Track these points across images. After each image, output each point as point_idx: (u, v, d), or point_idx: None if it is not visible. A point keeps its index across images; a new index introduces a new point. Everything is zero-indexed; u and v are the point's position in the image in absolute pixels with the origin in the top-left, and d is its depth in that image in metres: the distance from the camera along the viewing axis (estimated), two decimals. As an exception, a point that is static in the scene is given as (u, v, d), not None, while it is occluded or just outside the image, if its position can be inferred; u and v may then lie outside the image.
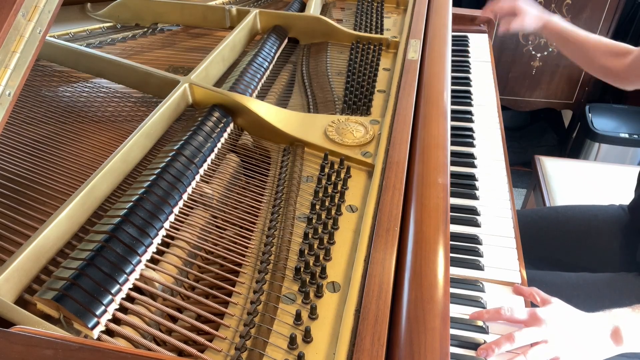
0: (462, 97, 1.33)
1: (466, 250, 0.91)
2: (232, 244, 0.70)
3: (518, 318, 0.77)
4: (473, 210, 1.00)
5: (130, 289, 0.60)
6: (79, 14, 1.32)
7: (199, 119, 0.86)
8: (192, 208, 0.74)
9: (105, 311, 0.56)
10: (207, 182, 0.80)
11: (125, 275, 0.60)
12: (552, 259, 1.18)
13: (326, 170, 0.82)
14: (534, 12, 1.26)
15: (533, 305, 0.83)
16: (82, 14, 1.33)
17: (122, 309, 0.59)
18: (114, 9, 1.29)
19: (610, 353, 0.77)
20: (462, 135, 1.19)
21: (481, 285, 0.85)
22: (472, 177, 1.08)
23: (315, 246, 0.69)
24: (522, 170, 2.49)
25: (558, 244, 1.18)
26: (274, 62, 1.14)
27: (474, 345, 0.76)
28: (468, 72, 1.44)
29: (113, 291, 0.58)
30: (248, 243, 0.70)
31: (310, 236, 0.70)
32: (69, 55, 1.07)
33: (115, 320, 0.57)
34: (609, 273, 1.05)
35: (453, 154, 1.13)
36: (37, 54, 0.68)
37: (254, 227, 0.73)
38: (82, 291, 0.55)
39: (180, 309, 0.62)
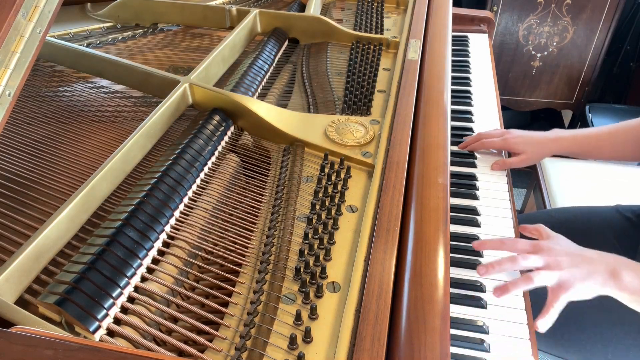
0: (462, 97, 1.33)
1: (466, 250, 0.91)
2: (232, 244, 0.70)
3: (520, 248, 0.78)
4: (473, 210, 1.00)
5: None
6: (79, 14, 1.32)
7: (200, 122, 0.86)
8: (192, 209, 0.74)
9: (106, 315, 0.56)
10: (205, 187, 0.80)
11: (127, 279, 0.60)
12: None
13: (326, 170, 0.82)
14: (530, 148, 1.05)
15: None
16: (82, 14, 1.33)
17: (123, 309, 0.59)
18: (114, 9, 1.29)
19: (607, 291, 0.76)
20: (462, 135, 1.19)
21: (481, 285, 0.85)
22: (472, 177, 1.08)
23: (316, 246, 0.69)
24: (522, 170, 2.48)
25: None
26: (274, 64, 1.14)
27: (474, 345, 0.76)
28: (468, 72, 1.44)
29: (114, 295, 0.58)
30: (248, 243, 0.70)
31: (310, 236, 0.70)
32: (69, 55, 1.07)
33: (115, 320, 0.57)
34: None
35: (453, 154, 1.13)
36: (37, 54, 0.68)
37: (254, 227, 0.73)
38: (84, 295, 0.55)
39: (180, 310, 0.62)
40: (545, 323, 0.75)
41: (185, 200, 0.74)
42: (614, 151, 1.03)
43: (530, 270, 0.79)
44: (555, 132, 1.07)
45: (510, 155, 1.11)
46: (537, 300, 0.82)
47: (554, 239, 0.81)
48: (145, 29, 1.30)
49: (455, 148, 1.15)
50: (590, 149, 1.04)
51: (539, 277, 0.74)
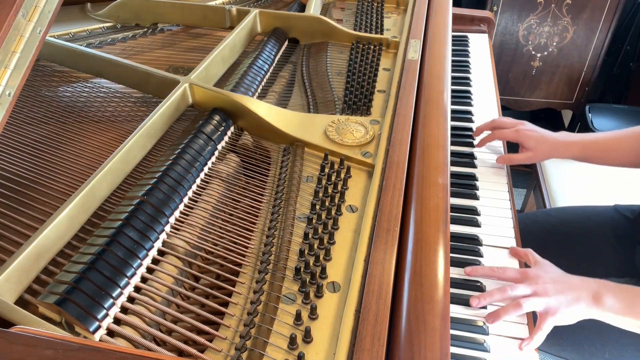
0: (462, 97, 1.33)
1: (466, 250, 0.91)
2: (232, 244, 0.70)
3: (509, 276, 0.83)
4: (473, 210, 1.00)
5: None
6: (79, 14, 1.32)
7: (200, 122, 0.86)
8: (192, 209, 0.74)
9: (106, 315, 0.56)
10: (205, 187, 0.80)
11: (127, 279, 0.60)
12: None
13: (326, 170, 0.82)
14: (540, 147, 1.06)
15: (527, 266, 0.88)
16: (82, 14, 1.33)
17: (123, 309, 0.59)
18: (114, 9, 1.29)
19: (591, 313, 0.79)
20: (462, 135, 1.19)
21: (481, 285, 0.85)
22: (472, 177, 1.08)
23: (315, 246, 0.69)
24: (522, 170, 2.49)
25: (551, 248, 1.15)
26: (274, 64, 1.14)
27: (474, 345, 0.76)
28: (468, 72, 1.44)
29: (114, 295, 0.58)
30: (248, 243, 0.70)
31: (310, 236, 0.70)
32: (69, 55, 1.07)
33: (115, 320, 0.57)
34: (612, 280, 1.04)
35: (453, 154, 1.13)
36: (37, 54, 0.68)
37: (254, 227, 0.73)
38: (84, 295, 0.55)
39: (180, 310, 0.62)
40: (533, 345, 0.78)
41: (185, 200, 0.74)
42: (618, 157, 1.04)
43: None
44: (564, 136, 1.07)
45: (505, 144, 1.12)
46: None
47: (541, 266, 0.85)
48: (145, 29, 1.30)
49: (455, 148, 1.15)
50: (596, 154, 1.05)
51: (528, 304, 0.79)
